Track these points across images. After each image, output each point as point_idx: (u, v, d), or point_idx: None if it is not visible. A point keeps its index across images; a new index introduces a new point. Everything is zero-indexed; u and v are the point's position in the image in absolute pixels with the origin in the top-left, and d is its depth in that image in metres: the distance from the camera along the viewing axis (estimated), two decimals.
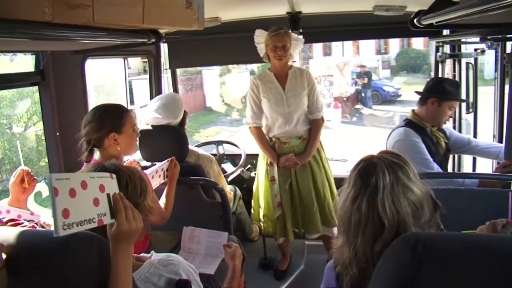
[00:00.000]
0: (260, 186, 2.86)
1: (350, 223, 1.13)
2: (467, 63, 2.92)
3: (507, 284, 0.71)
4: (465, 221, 1.56)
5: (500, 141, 2.42)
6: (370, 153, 1.20)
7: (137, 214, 1.10)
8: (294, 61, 2.92)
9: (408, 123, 2.40)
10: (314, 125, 2.76)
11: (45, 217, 1.68)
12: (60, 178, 0.93)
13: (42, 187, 1.87)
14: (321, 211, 2.75)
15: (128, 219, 1.06)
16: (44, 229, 1.56)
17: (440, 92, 2.36)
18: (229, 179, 3.14)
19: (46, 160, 2.24)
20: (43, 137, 2.24)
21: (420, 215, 1.10)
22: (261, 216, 2.87)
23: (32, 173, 1.73)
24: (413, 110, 2.46)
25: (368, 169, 1.13)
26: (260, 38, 2.71)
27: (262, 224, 2.89)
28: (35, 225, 1.53)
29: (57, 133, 2.15)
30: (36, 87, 2.18)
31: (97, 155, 1.85)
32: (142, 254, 1.36)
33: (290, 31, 2.83)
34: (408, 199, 1.09)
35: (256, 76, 2.83)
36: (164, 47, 3.35)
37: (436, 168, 2.24)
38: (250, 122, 2.80)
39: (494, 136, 2.58)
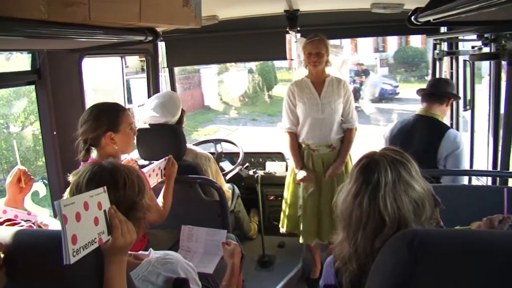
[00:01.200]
0: (286, 186, 2.91)
1: (351, 219, 1.14)
2: (465, 61, 2.92)
3: (505, 280, 0.71)
4: (463, 218, 1.57)
5: (496, 138, 2.42)
6: (373, 150, 1.20)
7: (131, 226, 1.10)
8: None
9: (439, 123, 2.43)
10: (348, 134, 2.79)
11: (42, 216, 1.67)
12: (67, 204, 0.93)
13: (39, 187, 1.87)
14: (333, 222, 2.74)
15: (123, 234, 1.06)
16: (41, 228, 1.56)
17: (456, 93, 2.54)
18: (228, 177, 3.14)
19: (44, 159, 2.23)
20: (41, 137, 2.23)
21: (421, 212, 1.10)
22: (285, 215, 2.91)
23: (29, 173, 1.73)
24: (428, 108, 2.47)
25: (370, 165, 1.13)
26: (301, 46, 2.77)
27: (285, 224, 2.90)
28: (32, 225, 1.53)
29: (54, 132, 2.15)
30: (33, 86, 2.17)
31: (94, 154, 1.85)
32: (140, 252, 1.36)
33: (289, 29, 2.84)
34: (409, 196, 1.09)
35: (293, 83, 2.86)
36: (161, 45, 3.33)
37: None
38: (285, 127, 2.84)
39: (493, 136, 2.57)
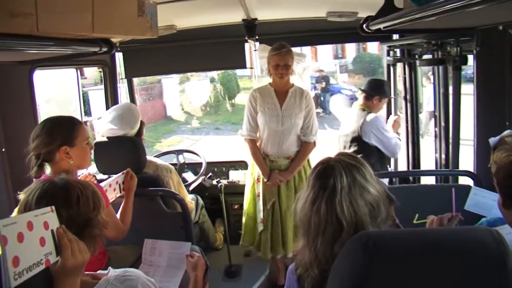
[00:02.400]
0: (246, 198, 2.86)
1: (310, 225, 1.14)
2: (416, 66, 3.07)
3: (452, 273, 0.75)
4: (419, 214, 1.64)
5: (446, 139, 2.56)
6: (328, 156, 1.22)
7: (83, 246, 1.04)
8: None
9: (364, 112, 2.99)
10: (305, 147, 2.74)
11: None
12: (7, 224, 0.87)
13: None
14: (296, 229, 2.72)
15: (74, 253, 1.00)
16: None
17: (383, 92, 3.02)
18: (191, 188, 3.10)
19: None
20: None
21: (376, 214, 1.13)
22: (245, 230, 2.86)
23: None
24: (362, 103, 3.05)
25: (326, 171, 1.15)
26: (264, 53, 2.72)
27: (245, 239, 2.87)
28: None
29: (3, 149, 2.03)
30: None
31: (48, 170, 1.77)
32: (98, 272, 1.31)
33: (248, 38, 2.88)
34: (365, 199, 1.12)
35: (256, 89, 2.81)
36: (119, 56, 3.26)
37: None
38: (244, 134, 2.79)
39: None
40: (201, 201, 3.07)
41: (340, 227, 1.10)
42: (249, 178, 2.85)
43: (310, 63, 17.81)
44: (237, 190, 3.31)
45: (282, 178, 2.69)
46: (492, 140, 1.38)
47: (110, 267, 1.28)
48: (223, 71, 15.10)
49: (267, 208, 2.72)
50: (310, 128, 2.73)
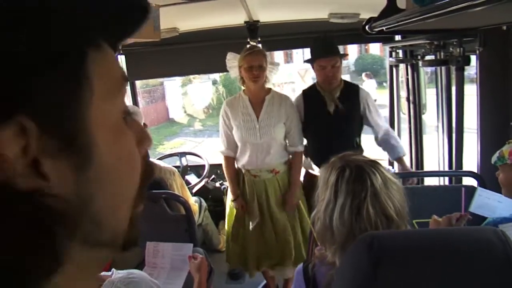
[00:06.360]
0: (228, 215, 2.61)
1: (354, 236, 1.04)
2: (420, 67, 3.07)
3: (458, 274, 0.74)
4: (423, 217, 1.63)
5: (450, 139, 2.55)
6: (338, 159, 1.15)
7: None
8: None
9: (310, 86, 2.65)
10: (295, 158, 2.47)
11: None
12: None
13: None
14: (282, 249, 2.47)
15: None
16: None
17: (311, 55, 2.53)
18: (194, 190, 3.11)
19: None
20: None
21: (405, 204, 1.10)
22: (228, 249, 2.63)
23: None
24: None
25: (358, 173, 1.08)
26: (232, 61, 2.46)
27: (230, 259, 2.65)
28: None
29: None
30: None
31: None
32: (102, 273, 1.31)
33: (249, 39, 2.88)
34: (397, 191, 1.09)
35: (227, 101, 2.55)
36: (121, 58, 3.28)
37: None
38: (220, 151, 2.56)
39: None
40: (204, 203, 3.07)
41: (389, 223, 1.05)
42: (230, 193, 2.59)
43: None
44: None
45: (291, 205, 2.43)
46: None
47: (113, 269, 1.28)
48: (225, 73, 15.11)
49: (249, 229, 2.48)
50: (295, 136, 2.47)
